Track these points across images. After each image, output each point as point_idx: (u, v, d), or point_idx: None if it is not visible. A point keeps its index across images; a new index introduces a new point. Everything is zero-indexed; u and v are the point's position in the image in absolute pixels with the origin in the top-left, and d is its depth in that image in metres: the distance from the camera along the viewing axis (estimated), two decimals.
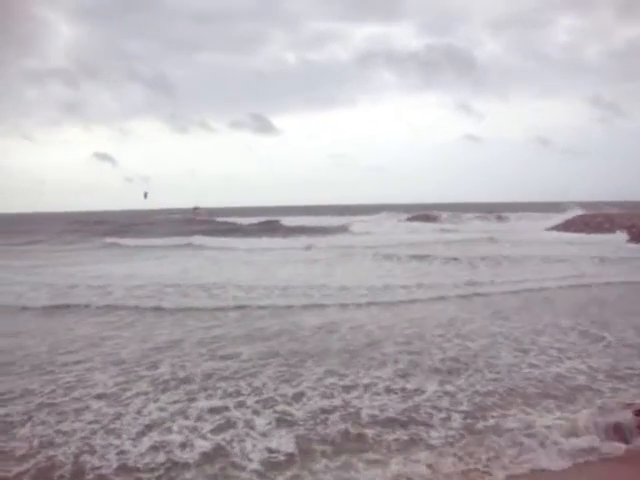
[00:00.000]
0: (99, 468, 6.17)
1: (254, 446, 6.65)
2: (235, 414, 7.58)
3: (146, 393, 8.48)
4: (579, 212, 46.08)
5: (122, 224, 67.28)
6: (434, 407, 7.81)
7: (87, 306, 15.67)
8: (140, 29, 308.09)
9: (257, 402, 8.01)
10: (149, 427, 7.21)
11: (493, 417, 7.43)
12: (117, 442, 6.78)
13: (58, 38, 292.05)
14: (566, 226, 41.73)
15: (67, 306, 15.77)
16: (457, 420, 7.37)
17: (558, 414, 7.43)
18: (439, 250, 28.65)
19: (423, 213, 64.07)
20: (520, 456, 6.42)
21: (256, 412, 7.64)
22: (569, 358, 10.04)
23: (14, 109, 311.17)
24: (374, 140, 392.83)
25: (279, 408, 7.78)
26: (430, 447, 6.63)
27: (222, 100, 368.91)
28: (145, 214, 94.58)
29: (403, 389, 8.55)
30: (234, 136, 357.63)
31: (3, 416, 7.67)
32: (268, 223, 65.38)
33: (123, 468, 6.17)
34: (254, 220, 69.36)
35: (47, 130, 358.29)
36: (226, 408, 7.79)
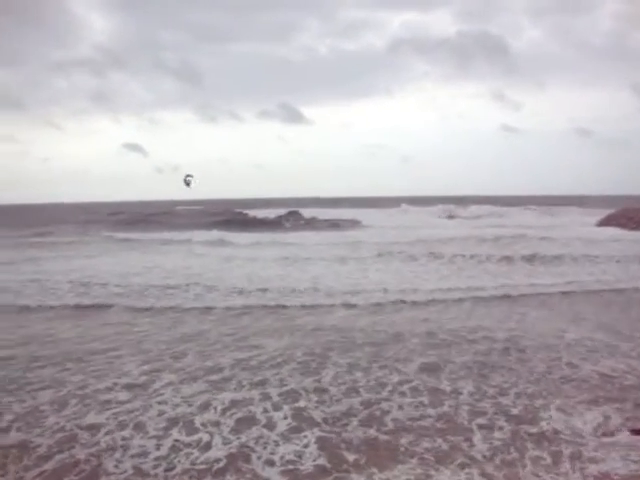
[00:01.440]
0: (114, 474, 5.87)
1: (275, 452, 6.26)
2: None
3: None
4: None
5: (138, 215, 65.32)
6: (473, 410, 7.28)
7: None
8: (172, 19, 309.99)
9: None
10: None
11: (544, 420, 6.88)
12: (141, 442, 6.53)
13: (89, 28, 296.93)
14: (618, 222, 39.00)
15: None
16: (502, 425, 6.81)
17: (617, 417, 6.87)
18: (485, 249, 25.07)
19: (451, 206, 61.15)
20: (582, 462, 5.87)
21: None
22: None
23: (45, 99, 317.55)
24: (408, 130, 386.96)
25: None
26: (472, 459, 6.05)
27: (251, 90, 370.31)
28: (174, 205, 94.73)
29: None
30: (263, 126, 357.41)
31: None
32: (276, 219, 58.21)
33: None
34: (271, 212, 62.73)
35: (77, 120, 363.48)
36: None
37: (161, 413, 7.41)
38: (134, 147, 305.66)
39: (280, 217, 55.30)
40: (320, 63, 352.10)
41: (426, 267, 20.92)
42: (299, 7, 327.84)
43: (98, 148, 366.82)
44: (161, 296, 15.65)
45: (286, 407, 7.55)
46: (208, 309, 14.16)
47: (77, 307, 14.64)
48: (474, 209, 57.85)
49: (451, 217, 53.09)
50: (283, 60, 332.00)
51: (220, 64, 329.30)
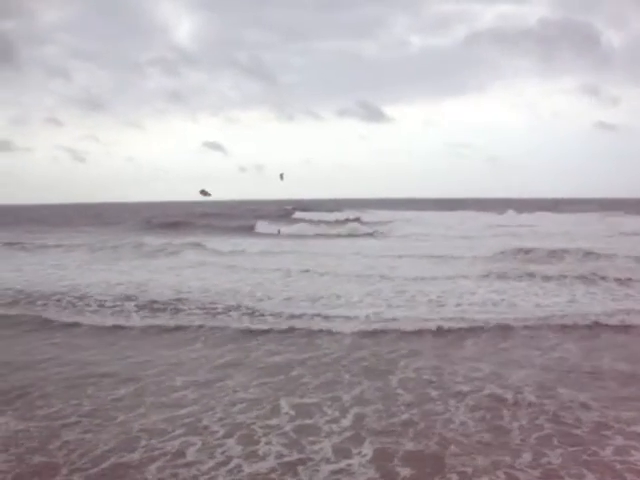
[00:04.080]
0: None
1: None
2: None
3: None
4: None
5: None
6: None
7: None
8: (254, 18, 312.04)
9: None
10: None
11: None
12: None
13: (171, 29, 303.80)
14: None
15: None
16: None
17: None
18: None
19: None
20: None
21: None
22: None
23: (126, 99, 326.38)
24: (495, 128, 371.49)
25: None
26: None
27: (330, 88, 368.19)
28: (253, 205, 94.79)
29: None
30: (343, 124, 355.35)
31: None
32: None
33: None
34: (331, 216, 58.72)
35: (158, 120, 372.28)
36: None
37: None
38: (214, 146, 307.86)
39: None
40: (405, 60, 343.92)
41: None
42: (386, 2, 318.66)
43: (179, 147, 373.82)
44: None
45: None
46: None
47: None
48: None
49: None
50: (365, 57, 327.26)
51: (299, 62, 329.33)
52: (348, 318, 12.81)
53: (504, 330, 11.74)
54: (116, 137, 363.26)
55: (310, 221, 51.58)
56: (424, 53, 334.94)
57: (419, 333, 11.63)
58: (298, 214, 63.87)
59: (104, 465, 6.16)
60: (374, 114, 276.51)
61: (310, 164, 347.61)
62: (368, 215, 56.63)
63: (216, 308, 14.05)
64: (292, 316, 13.13)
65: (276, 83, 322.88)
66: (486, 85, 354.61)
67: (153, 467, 6.11)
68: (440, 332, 11.69)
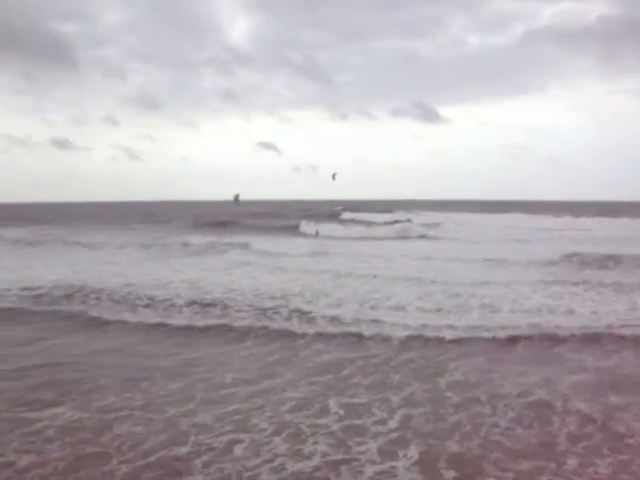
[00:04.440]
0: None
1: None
2: None
3: None
4: None
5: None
6: None
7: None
8: (310, 18, 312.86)
9: None
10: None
11: None
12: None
13: (226, 29, 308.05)
14: None
15: None
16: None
17: None
18: None
19: None
20: None
21: None
22: None
23: (181, 99, 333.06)
24: (554, 129, 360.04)
25: None
26: None
27: (383, 88, 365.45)
28: (305, 205, 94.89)
29: None
30: (397, 124, 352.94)
31: None
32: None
33: None
34: (381, 217, 57.34)
35: (212, 119, 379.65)
36: None
37: None
38: (268, 145, 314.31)
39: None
40: (462, 59, 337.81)
41: None
42: (444, 2, 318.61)
43: (233, 146, 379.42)
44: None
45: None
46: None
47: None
48: None
49: None
50: (421, 57, 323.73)
51: (354, 61, 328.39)
52: (397, 322, 12.64)
53: (558, 336, 11.41)
54: (171, 136, 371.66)
55: (359, 222, 51.41)
56: (481, 53, 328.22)
57: (469, 337, 11.43)
58: (346, 214, 63.45)
59: (152, 458, 6.31)
60: (429, 114, 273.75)
61: (363, 164, 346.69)
62: (420, 217, 55.52)
63: (265, 307, 14.15)
64: (341, 318, 13.06)
65: (330, 83, 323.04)
66: (545, 85, 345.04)
67: (199, 462, 6.23)
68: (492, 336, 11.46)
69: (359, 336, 11.64)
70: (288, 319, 13.14)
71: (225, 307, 14.33)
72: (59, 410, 7.73)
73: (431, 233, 38.51)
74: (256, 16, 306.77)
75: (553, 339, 11.24)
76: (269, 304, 14.49)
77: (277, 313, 13.66)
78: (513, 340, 11.24)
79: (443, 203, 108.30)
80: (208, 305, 14.54)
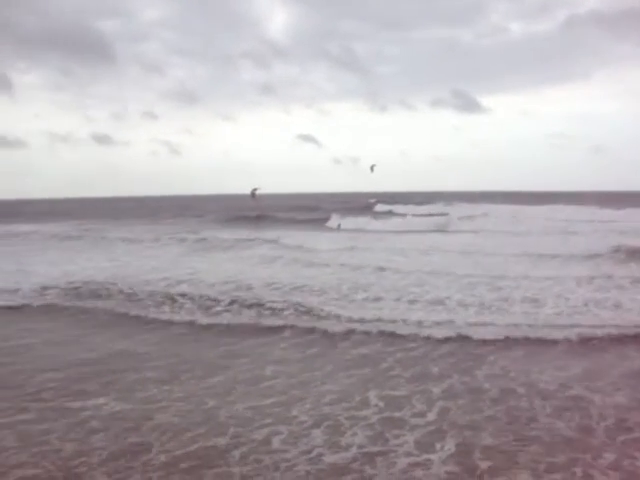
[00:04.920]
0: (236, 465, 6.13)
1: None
2: None
3: None
4: None
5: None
6: None
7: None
8: (350, 10, 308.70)
9: None
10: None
11: None
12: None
13: (265, 22, 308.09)
14: None
15: None
16: None
17: None
18: None
19: None
20: None
21: None
22: None
23: (220, 92, 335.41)
24: (600, 118, 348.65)
25: None
26: None
27: (423, 78, 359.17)
28: (343, 197, 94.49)
29: None
30: (437, 115, 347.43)
31: None
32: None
33: None
34: (418, 209, 56.91)
35: (251, 112, 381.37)
36: None
37: None
38: (308, 138, 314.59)
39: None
40: (503, 47, 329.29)
41: None
42: None
43: (273, 139, 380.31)
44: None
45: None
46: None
47: None
48: None
49: None
50: (461, 45, 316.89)
51: (392, 52, 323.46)
52: (437, 318, 12.37)
53: (602, 333, 11.05)
54: (210, 130, 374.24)
55: (394, 214, 50.86)
56: (522, 40, 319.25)
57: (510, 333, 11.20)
58: (380, 207, 62.59)
59: (191, 448, 6.43)
60: (469, 104, 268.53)
61: (405, 155, 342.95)
62: (459, 208, 54.42)
63: (301, 302, 14.13)
64: (379, 313, 12.98)
65: (369, 74, 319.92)
66: (588, 72, 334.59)
67: (237, 452, 6.32)
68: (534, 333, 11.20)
69: (397, 331, 11.51)
70: (326, 315, 13.05)
71: (262, 302, 14.34)
72: (102, 401, 7.94)
73: (470, 226, 37.62)
74: (294, 8, 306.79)
75: (597, 335, 10.90)
76: (305, 299, 14.53)
77: (314, 308, 13.59)
78: (555, 334, 10.99)
79: (485, 194, 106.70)
80: (244, 300, 14.59)
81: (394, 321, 12.23)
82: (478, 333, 11.11)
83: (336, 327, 11.89)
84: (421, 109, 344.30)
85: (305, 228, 40.03)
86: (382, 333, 11.37)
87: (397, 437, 6.61)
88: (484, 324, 11.82)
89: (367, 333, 11.41)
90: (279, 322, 12.50)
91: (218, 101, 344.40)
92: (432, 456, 6.12)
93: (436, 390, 8.15)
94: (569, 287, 15.42)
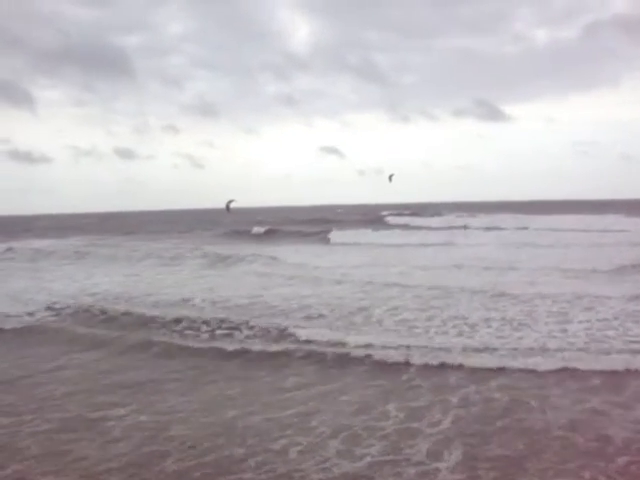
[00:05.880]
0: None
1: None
2: None
3: None
4: None
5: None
6: None
7: None
8: (371, 20, 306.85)
9: None
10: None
11: None
12: None
13: (286, 34, 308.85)
14: None
15: None
16: None
17: None
18: None
19: None
20: None
21: None
22: None
23: (241, 105, 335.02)
24: (627, 125, 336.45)
25: None
26: None
27: (443, 87, 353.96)
28: (362, 209, 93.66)
29: None
30: (460, 125, 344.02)
31: None
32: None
33: None
34: (433, 221, 53.66)
35: (273, 125, 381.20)
36: None
37: None
38: (331, 150, 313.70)
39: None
40: (526, 54, 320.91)
41: None
42: None
43: (296, 151, 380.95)
44: None
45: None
46: None
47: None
48: None
49: None
50: (483, 54, 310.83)
51: (413, 62, 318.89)
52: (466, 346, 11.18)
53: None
54: (232, 143, 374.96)
55: (406, 227, 49.59)
56: (547, 47, 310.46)
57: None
58: (391, 219, 61.17)
59: (207, 458, 6.62)
60: (492, 113, 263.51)
61: (428, 166, 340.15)
62: (482, 220, 51.33)
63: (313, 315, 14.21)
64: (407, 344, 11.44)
65: (390, 84, 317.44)
66: (616, 78, 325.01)
67: (252, 462, 6.48)
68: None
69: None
70: (344, 330, 12.76)
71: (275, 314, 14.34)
72: (123, 411, 8.19)
73: (488, 238, 35.53)
74: (315, 20, 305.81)
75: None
76: (323, 314, 14.35)
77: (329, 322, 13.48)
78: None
79: (514, 204, 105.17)
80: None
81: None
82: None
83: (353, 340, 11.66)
84: (443, 119, 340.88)
85: (305, 242, 39.91)
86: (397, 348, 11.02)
87: (411, 447, 6.70)
88: (506, 348, 10.81)
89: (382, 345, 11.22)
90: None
91: (240, 114, 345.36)
92: (440, 465, 6.23)
93: (454, 399, 8.23)
94: (599, 306, 14.02)
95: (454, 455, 6.43)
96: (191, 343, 12.24)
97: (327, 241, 39.70)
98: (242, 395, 8.87)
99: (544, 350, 10.50)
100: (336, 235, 41.54)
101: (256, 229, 50.00)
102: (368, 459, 6.43)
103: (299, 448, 6.80)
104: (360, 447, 6.77)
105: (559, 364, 9.62)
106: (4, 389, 9.53)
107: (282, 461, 6.48)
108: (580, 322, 12.43)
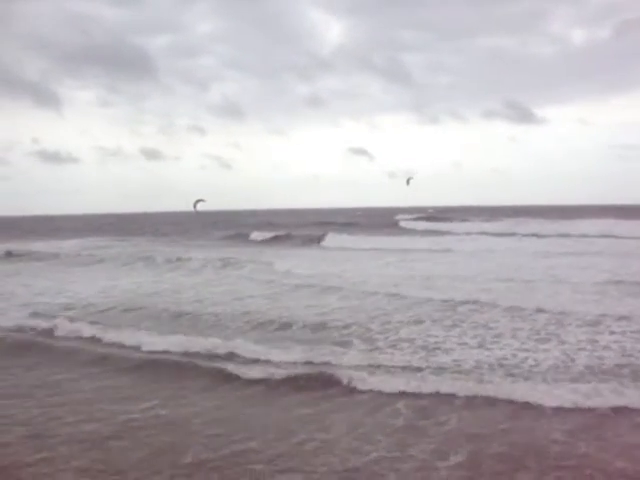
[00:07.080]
0: None
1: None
2: None
3: None
4: None
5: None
6: None
7: None
8: (403, 21, 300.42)
9: None
10: None
11: None
12: None
13: (314, 35, 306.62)
14: None
15: None
16: None
17: None
18: None
19: None
20: None
21: None
22: None
23: (267, 106, 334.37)
24: None
25: None
26: None
27: (473, 88, 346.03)
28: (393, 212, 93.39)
29: None
30: (490, 126, 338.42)
31: None
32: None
33: None
34: (452, 226, 51.38)
35: (299, 126, 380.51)
36: None
37: None
38: (359, 151, 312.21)
39: None
40: (560, 55, 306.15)
41: None
42: None
43: (324, 153, 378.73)
44: None
45: None
46: None
47: None
48: None
49: None
50: (515, 54, 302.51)
51: (443, 63, 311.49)
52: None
53: None
54: (260, 144, 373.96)
55: (411, 231, 49.18)
56: (581, 47, 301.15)
57: None
58: (404, 223, 59.95)
59: (223, 451, 7.03)
60: (524, 115, 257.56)
61: (459, 168, 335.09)
62: (501, 225, 48.63)
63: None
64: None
65: (419, 85, 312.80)
66: None
67: (265, 455, 6.88)
68: None
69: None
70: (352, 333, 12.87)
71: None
72: (148, 405, 8.69)
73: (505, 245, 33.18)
74: (344, 21, 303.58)
75: None
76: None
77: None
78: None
79: (547, 209, 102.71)
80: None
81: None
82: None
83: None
84: (473, 121, 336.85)
85: (300, 246, 40.26)
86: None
87: (415, 445, 6.99)
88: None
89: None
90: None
91: (268, 115, 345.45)
92: (441, 464, 6.51)
93: (459, 402, 8.47)
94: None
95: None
96: None
97: (319, 246, 39.53)
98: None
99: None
100: (331, 240, 40.97)
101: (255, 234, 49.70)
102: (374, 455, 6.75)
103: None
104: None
105: None
106: None
107: (296, 453, 6.87)
108: None
